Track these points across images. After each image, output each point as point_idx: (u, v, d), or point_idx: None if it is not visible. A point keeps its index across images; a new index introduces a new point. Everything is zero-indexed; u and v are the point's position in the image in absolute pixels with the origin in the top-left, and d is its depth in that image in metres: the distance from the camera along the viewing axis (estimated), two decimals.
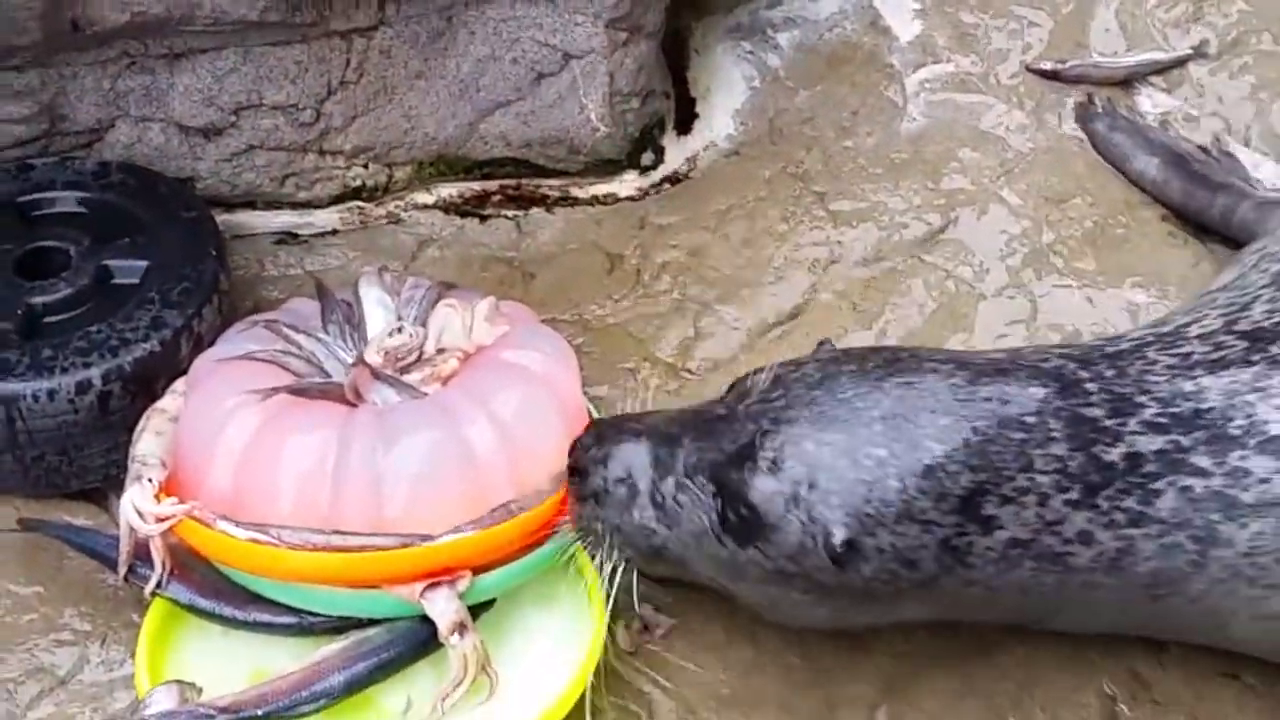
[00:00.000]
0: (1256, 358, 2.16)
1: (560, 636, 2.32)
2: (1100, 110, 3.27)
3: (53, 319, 2.55)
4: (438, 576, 2.18)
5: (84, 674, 2.33)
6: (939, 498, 2.02)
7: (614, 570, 2.18)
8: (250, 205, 3.13)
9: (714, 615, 2.41)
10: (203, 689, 2.15)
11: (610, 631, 2.34)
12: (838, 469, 2.02)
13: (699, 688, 2.33)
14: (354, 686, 2.17)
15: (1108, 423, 2.10)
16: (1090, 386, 2.14)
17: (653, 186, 3.24)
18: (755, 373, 2.20)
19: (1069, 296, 2.93)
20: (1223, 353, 2.19)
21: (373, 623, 2.23)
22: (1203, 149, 3.19)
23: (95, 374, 2.44)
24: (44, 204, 2.79)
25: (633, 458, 2.15)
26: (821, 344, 2.36)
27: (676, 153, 3.30)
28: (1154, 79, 3.40)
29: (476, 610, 2.27)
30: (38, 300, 2.56)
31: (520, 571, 2.27)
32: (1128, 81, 3.39)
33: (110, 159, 2.93)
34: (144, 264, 2.63)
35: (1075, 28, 3.47)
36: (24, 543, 2.47)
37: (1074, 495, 2.06)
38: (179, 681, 2.13)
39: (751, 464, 2.05)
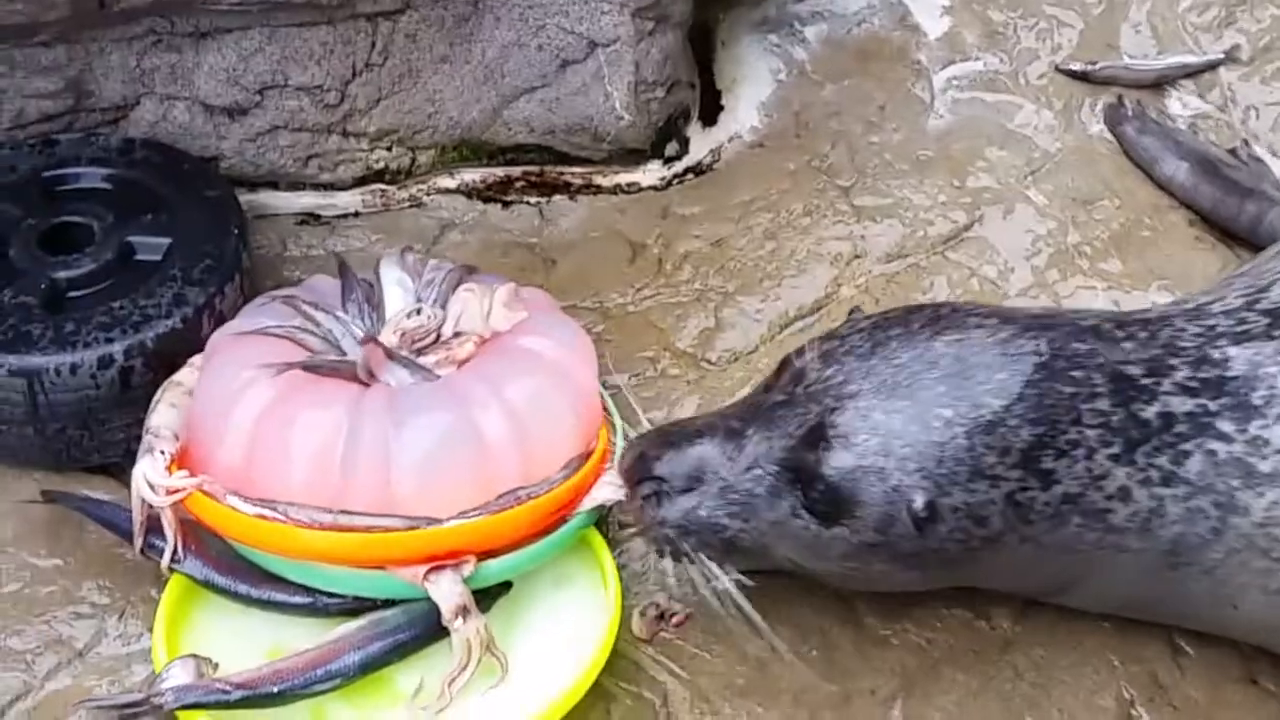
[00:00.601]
0: (1278, 333, 2.19)
1: (575, 622, 2.31)
2: (1130, 113, 3.26)
3: (76, 294, 2.55)
4: (443, 560, 2.17)
5: (101, 647, 2.33)
6: (1003, 452, 2.06)
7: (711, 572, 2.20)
8: (273, 185, 3.13)
9: (728, 605, 2.39)
10: (219, 664, 2.15)
11: (625, 619, 2.34)
12: (910, 434, 2.05)
13: (714, 677, 2.32)
14: (369, 666, 2.17)
15: (1144, 381, 2.14)
16: (1127, 345, 2.18)
17: (676, 177, 3.23)
18: (797, 354, 2.21)
19: (1093, 298, 2.92)
20: (1246, 327, 2.21)
21: (389, 604, 2.23)
22: (1232, 153, 3.18)
23: (117, 349, 2.44)
24: (69, 179, 2.79)
25: (699, 458, 2.15)
26: (852, 313, 2.37)
27: (701, 143, 3.30)
28: (1184, 82, 3.39)
29: (493, 594, 2.28)
30: (61, 275, 2.56)
31: (527, 558, 2.26)
32: (1158, 84, 3.38)
33: (135, 136, 2.93)
34: (167, 241, 2.63)
35: (1106, 29, 3.46)
36: (45, 516, 2.46)
37: (1116, 450, 2.10)
38: (195, 656, 2.14)
39: (825, 443, 2.07)
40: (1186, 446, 2.12)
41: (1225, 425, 2.12)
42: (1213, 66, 3.39)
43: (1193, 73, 3.39)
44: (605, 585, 2.33)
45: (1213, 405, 2.13)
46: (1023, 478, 2.08)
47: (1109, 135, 3.27)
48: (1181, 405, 2.13)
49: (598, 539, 2.39)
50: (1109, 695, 2.34)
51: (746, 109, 3.36)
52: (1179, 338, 2.21)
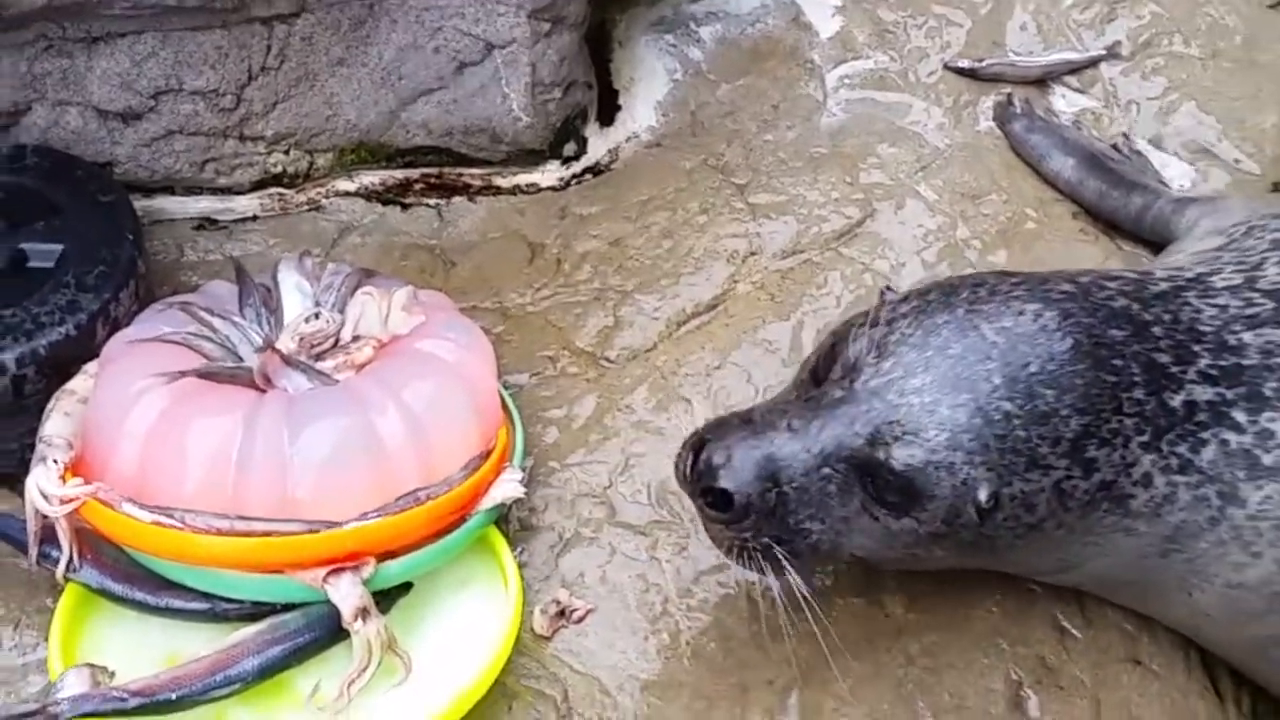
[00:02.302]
0: None
1: (476, 621, 2.33)
2: (1018, 110, 3.33)
3: None
4: (342, 562, 2.18)
5: None
6: (1055, 442, 2.11)
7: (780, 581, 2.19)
8: (170, 191, 3.11)
9: (631, 599, 2.44)
10: (115, 673, 2.14)
11: (527, 616, 2.37)
12: (975, 428, 2.08)
13: (615, 671, 2.35)
14: (268, 671, 2.17)
15: (1174, 369, 2.19)
16: (1156, 331, 2.22)
17: (574, 177, 3.26)
18: (842, 340, 2.21)
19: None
20: (1255, 309, 2.28)
21: (288, 607, 2.23)
22: (1114, 147, 3.26)
23: (9, 358, 2.42)
24: None
25: (771, 461, 2.12)
26: (884, 293, 2.39)
27: (599, 144, 3.32)
28: (1068, 78, 3.47)
29: (394, 595, 2.29)
30: None
31: (426, 559, 2.28)
32: (1042, 81, 3.45)
33: (26, 142, 2.90)
34: (59, 247, 2.61)
35: (993, 27, 3.53)
36: None
37: (1147, 438, 2.16)
38: (91, 665, 2.13)
39: (895, 440, 2.09)
40: (1204, 435, 2.18)
41: (1239, 415, 2.19)
42: (1095, 62, 3.47)
43: (1076, 69, 3.47)
44: (506, 583, 2.35)
45: (1230, 394, 2.20)
46: (1069, 466, 2.12)
47: (997, 131, 3.33)
48: (1203, 395, 2.19)
49: (498, 538, 2.42)
50: (998, 678, 2.40)
51: (643, 109, 3.39)
52: (1198, 321, 2.26)
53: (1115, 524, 2.21)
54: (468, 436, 2.36)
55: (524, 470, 2.46)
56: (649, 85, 3.43)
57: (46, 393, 2.41)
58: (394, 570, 2.25)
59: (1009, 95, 3.37)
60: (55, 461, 2.24)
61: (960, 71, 3.44)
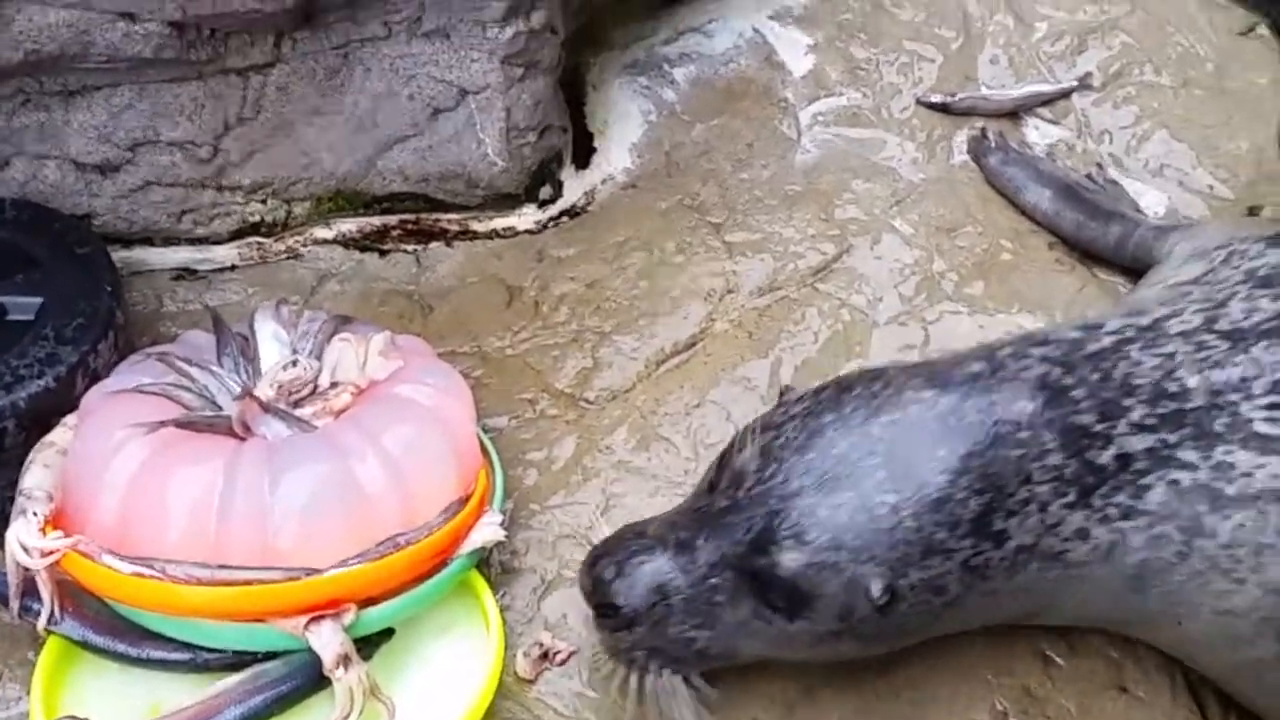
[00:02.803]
0: (1239, 359, 2.24)
1: (459, 665, 2.33)
2: (993, 144, 3.35)
3: None
4: (323, 610, 2.18)
5: None
6: (954, 526, 2.10)
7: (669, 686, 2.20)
8: (148, 241, 3.12)
9: None
10: None
11: (510, 659, 2.36)
12: (857, 526, 2.08)
13: (598, 714, 2.35)
14: None
15: (1098, 428, 2.18)
16: (1077, 393, 2.21)
17: (551, 220, 3.27)
18: (734, 449, 2.23)
19: (959, 323, 2.99)
20: (1206, 353, 2.26)
21: (270, 656, 2.22)
22: (1088, 177, 3.28)
23: None
24: None
25: (657, 575, 2.15)
26: (783, 393, 2.39)
27: (575, 186, 3.34)
28: (1041, 110, 3.50)
29: (377, 640, 2.29)
30: None
31: (407, 604, 2.28)
32: (1015, 113, 3.48)
33: (4, 196, 2.91)
34: (38, 300, 2.61)
35: (964, 62, 3.57)
36: None
37: (1071, 498, 2.16)
38: (73, 718, 2.12)
39: (775, 546, 2.10)
40: (1147, 481, 2.17)
41: (1188, 455, 2.17)
42: (1066, 94, 3.50)
43: (1048, 100, 3.50)
44: (488, 627, 2.35)
45: (1172, 438, 2.18)
46: (976, 544, 2.12)
47: (971, 165, 3.36)
48: (1140, 444, 2.18)
49: (479, 581, 2.42)
50: (983, 709, 2.40)
51: (618, 151, 3.40)
52: (1135, 374, 2.24)
53: (1060, 575, 2.20)
54: (447, 481, 2.36)
55: (504, 513, 2.46)
56: (623, 127, 3.45)
57: (26, 445, 2.40)
58: (375, 616, 2.25)
59: (983, 129, 3.40)
60: (35, 514, 2.23)
61: (933, 106, 3.47)
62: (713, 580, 2.14)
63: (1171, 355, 2.27)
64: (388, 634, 2.31)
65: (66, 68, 2.86)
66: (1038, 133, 3.45)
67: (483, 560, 2.44)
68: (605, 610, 2.18)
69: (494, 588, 2.44)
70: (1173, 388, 2.22)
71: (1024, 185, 3.26)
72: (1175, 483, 2.17)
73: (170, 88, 2.98)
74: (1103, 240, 3.12)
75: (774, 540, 2.10)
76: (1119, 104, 3.49)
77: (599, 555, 2.22)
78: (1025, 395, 2.19)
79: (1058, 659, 2.48)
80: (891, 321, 3.00)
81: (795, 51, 3.58)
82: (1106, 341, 2.31)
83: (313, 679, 2.19)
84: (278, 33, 2.97)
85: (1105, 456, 2.17)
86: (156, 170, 3.04)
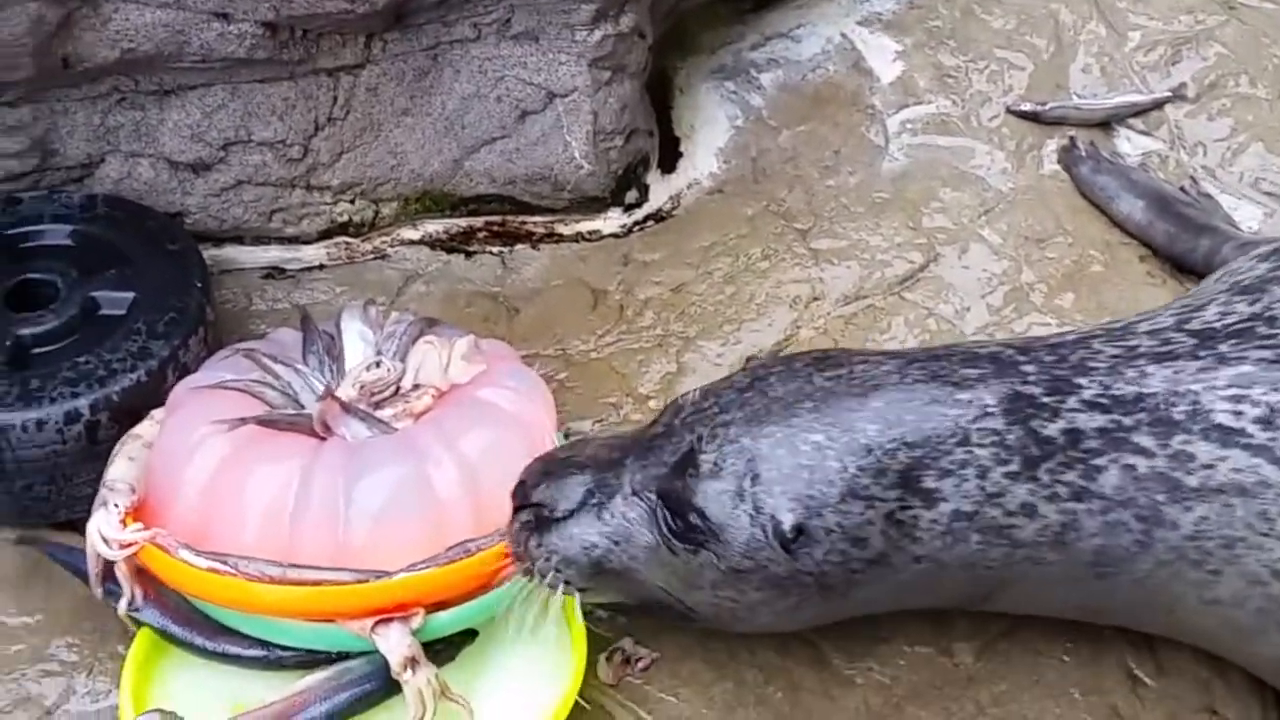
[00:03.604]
0: (1204, 354, 2.20)
1: (540, 669, 2.32)
2: (1084, 153, 3.31)
3: (41, 350, 2.56)
4: (392, 612, 2.18)
5: (70, 704, 2.33)
6: (878, 474, 2.06)
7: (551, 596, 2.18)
8: (238, 240, 3.15)
9: (695, 649, 2.42)
10: (185, 719, 2.15)
11: (591, 664, 2.35)
12: (777, 458, 2.06)
13: None
14: (335, 717, 2.18)
15: (1045, 399, 2.14)
16: (1027, 369, 2.18)
17: (637, 224, 3.26)
18: (686, 394, 2.24)
19: (1048, 334, 2.94)
20: (1170, 347, 2.22)
21: (342, 655, 2.23)
22: (1182, 189, 3.23)
23: (83, 404, 2.45)
24: (32, 237, 2.80)
25: (577, 485, 2.16)
26: (749, 361, 2.40)
27: (661, 190, 3.33)
28: (1133, 121, 3.45)
29: (459, 642, 2.29)
30: (26, 332, 2.57)
31: (478, 609, 2.26)
32: (1107, 123, 3.43)
33: (98, 192, 2.95)
34: (131, 295, 2.64)
35: (1055, 70, 3.52)
36: (13, 574, 2.48)
37: (1014, 468, 2.10)
38: (161, 711, 2.14)
39: (694, 470, 2.08)
40: (1099, 461, 2.12)
41: (1144, 439, 2.12)
42: (1160, 105, 3.45)
43: (1140, 111, 3.45)
44: (570, 632, 2.34)
45: (1128, 420, 2.13)
46: (902, 497, 2.08)
47: (1061, 175, 3.31)
48: (1090, 421, 2.13)
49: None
50: None
51: (705, 156, 3.39)
52: (1092, 359, 2.21)
53: (1009, 555, 2.14)
54: None
55: None
56: (710, 132, 3.44)
57: (118, 439, 2.43)
58: (444, 621, 2.24)
59: (1073, 138, 3.35)
60: (116, 506, 2.25)
61: (1023, 115, 3.43)
62: (631, 498, 2.13)
63: (1133, 349, 2.23)
64: (470, 637, 2.30)
65: (162, 67, 2.90)
66: (1129, 144, 3.40)
67: None
68: (524, 510, 2.16)
69: None
70: (1130, 372, 2.17)
71: (1116, 195, 3.21)
72: (1131, 468, 2.11)
73: (262, 88, 3.01)
74: (1194, 254, 3.06)
75: (694, 464, 2.09)
76: (1213, 116, 3.43)
77: (534, 464, 2.22)
78: (969, 364, 2.17)
79: (1146, 679, 2.44)
80: (979, 332, 2.96)
81: (883, 58, 3.55)
82: (1070, 338, 2.30)
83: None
84: (368, 34, 3.00)
85: (1052, 429, 2.12)
86: (248, 169, 3.07)
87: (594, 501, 2.14)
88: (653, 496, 2.12)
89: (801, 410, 2.10)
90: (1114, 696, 2.41)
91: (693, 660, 2.41)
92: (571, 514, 2.14)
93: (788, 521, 2.05)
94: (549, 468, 2.20)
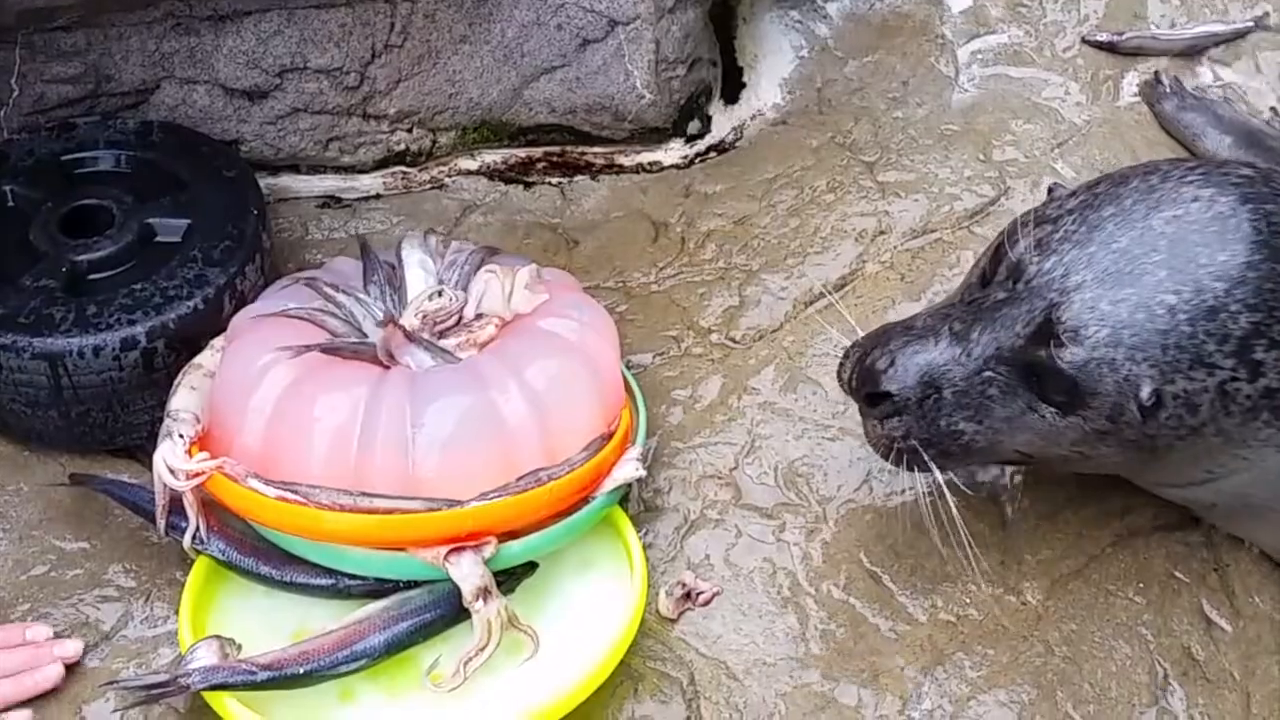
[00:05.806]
0: None
1: (601, 602, 2.30)
2: (1168, 89, 3.21)
3: (97, 276, 2.55)
4: (463, 542, 2.16)
5: (128, 629, 2.32)
6: (1223, 339, 2.02)
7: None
8: (294, 169, 3.12)
9: (757, 583, 2.38)
10: (243, 646, 2.14)
11: (652, 598, 2.33)
12: (1136, 323, 2.02)
13: (741, 654, 2.30)
14: (395, 647, 2.16)
15: None
16: None
17: (698, 155, 3.21)
18: (1010, 241, 2.16)
19: None
20: None
21: (411, 585, 2.21)
22: (1267, 123, 3.13)
23: (140, 331, 2.43)
24: (87, 163, 2.79)
25: (929, 366, 2.12)
26: (1051, 190, 2.34)
27: (723, 121, 3.27)
28: (1213, 52, 3.35)
29: (519, 575, 2.27)
30: (82, 258, 2.55)
31: (548, 539, 2.25)
32: (1186, 54, 3.33)
33: (154, 119, 2.93)
34: (186, 222, 2.62)
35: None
36: (71, 500, 2.46)
37: None
38: (220, 638, 2.13)
39: (1055, 339, 2.04)
40: None
41: None
42: (1241, 35, 3.35)
43: (1221, 41, 3.34)
44: (630, 565, 2.31)
45: None
46: (1235, 367, 2.03)
47: (1139, 107, 3.21)
48: None
49: (622, 518, 2.38)
50: (1142, 669, 2.31)
51: (769, 86, 3.33)
52: None
53: (1270, 438, 2.10)
54: (590, 417, 2.33)
55: (647, 451, 2.42)
56: (774, 62, 3.37)
57: (175, 366, 2.42)
58: (515, 550, 2.23)
59: (1156, 73, 3.25)
60: (181, 436, 2.24)
61: (1099, 45, 3.33)
62: (987, 373, 2.10)
63: None
64: (531, 568, 2.28)
65: None
66: (1210, 74, 3.30)
67: (625, 498, 2.40)
68: (875, 399, 2.14)
69: (636, 525, 2.40)
70: None
71: (1202, 131, 3.11)
72: None
73: (318, 14, 2.97)
74: None
75: (1054, 334, 2.04)
76: None
77: (870, 346, 2.18)
78: None
79: (1221, 622, 2.38)
80: None
81: None
82: None
83: (455, 609, 2.18)
84: None
85: None
86: (304, 97, 3.03)
87: (952, 382, 2.11)
88: (1008, 369, 2.09)
89: (1152, 266, 2.03)
90: (1187, 638, 2.36)
91: (754, 594, 2.37)
92: (931, 399, 2.11)
93: (1146, 390, 2.03)
94: (892, 349, 2.15)
